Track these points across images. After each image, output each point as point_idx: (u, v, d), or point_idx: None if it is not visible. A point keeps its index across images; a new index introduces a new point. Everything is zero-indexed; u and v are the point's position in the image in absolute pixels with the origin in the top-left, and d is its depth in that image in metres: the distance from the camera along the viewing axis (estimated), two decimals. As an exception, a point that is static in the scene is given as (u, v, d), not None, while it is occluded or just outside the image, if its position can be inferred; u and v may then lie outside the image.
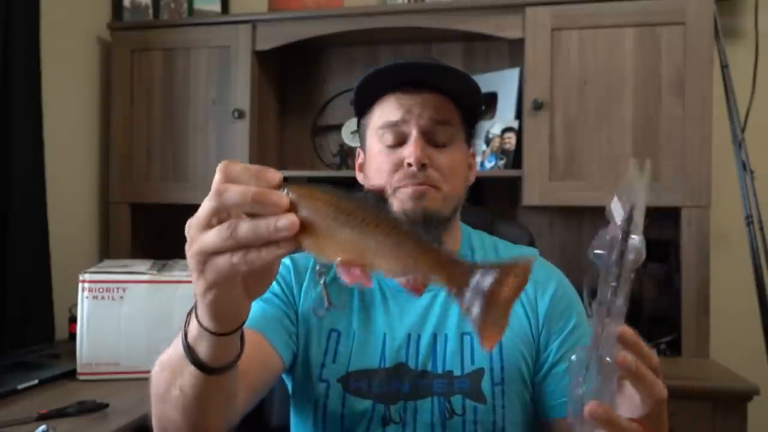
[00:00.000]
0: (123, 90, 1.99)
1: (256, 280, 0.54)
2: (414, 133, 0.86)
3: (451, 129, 0.89)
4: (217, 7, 2.14)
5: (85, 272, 1.41)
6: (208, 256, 0.49)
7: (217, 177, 0.50)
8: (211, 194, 0.49)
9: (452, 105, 0.89)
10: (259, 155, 1.95)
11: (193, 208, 0.53)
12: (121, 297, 1.41)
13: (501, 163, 1.79)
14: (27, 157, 1.66)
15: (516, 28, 1.74)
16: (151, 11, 2.12)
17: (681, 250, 1.65)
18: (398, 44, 2.06)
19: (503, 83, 1.87)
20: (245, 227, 0.47)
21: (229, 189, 0.48)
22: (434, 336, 0.88)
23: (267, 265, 0.49)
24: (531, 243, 1.20)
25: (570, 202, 1.70)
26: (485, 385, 0.85)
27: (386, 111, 0.88)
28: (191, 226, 0.51)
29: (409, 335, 0.88)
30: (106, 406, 1.20)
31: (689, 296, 1.63)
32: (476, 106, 0.93)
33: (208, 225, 0.49)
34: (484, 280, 0.48)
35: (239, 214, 0.49)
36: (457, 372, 0.85)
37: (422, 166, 0.84)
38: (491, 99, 1.89)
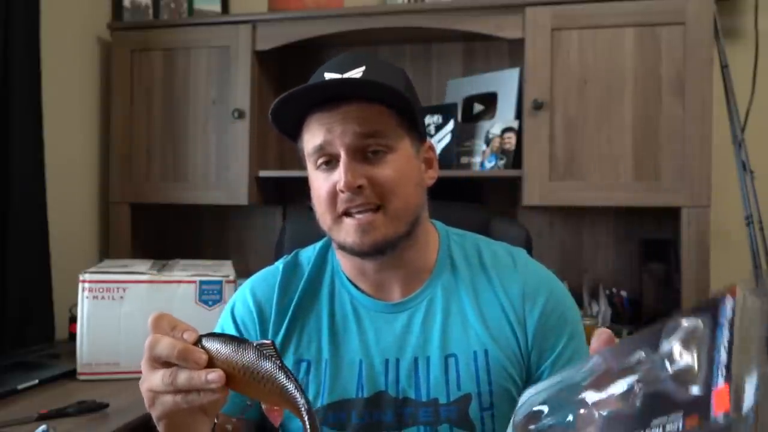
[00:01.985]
0: (123, 90, 1.99)
1: (209, 405, 0.61)
2: (342, 155, 0.77)
3: (384, 138, 0.79)
4: (217, 7, 2.14)
5: (85, 272, 1.41)
6: (155, 394, 0.59)
7: (150, 328, 0.60)
8: (146, 344, 0.59)
9: (381, 109, 0.79)
10: (259, 155, 1.95)
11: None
12: (121, 297, 1.41)
13: (501, 163, 1.79)
14: (27, 157, 1.66)
15: (516, 28, 1.74)
16: (151, 11, 2.12)
17: (681, 250, 1.65)
18: (398, 44, 2.06)
19: (503, 83, 1.87)
20: (183, 377, 0.57)
21: (160, 342, 0.58)
22: (415, 360, 0.82)
23: (209, 402, 0.58)
24: (528, 243, 1.16)
25: (570, 202, 1.70)
26: (473, 411, 0.79)
27: (310, 133, 0.80)
28: (143, 366, 0.60)
29: (387, 360, 0.82)
30: (106, 406, 1.20)
31: (689, 296, 1.63)
32: (407, 103, 0.80)
33: (153, 367, 0.59)
34: None
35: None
36: (442, 399, 0.80)
37: (358, 188, 0.77)
38: (491, 99, 1.90)
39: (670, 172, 1.64)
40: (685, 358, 0.40)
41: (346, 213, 0.79)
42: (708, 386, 0.37)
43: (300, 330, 0.86)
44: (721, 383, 0.36)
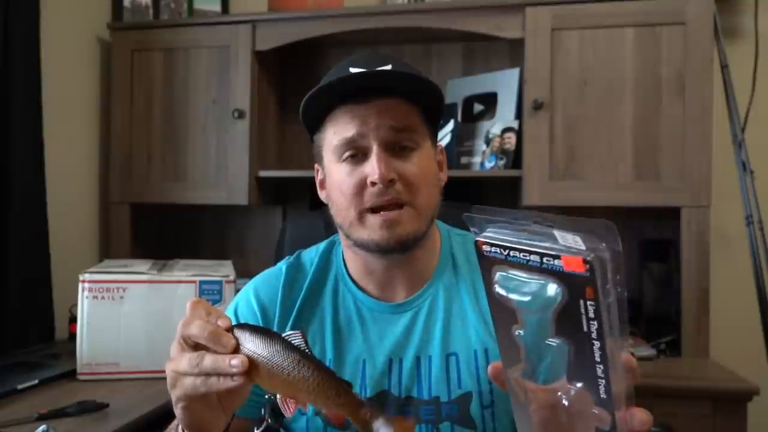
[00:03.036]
0: (123, 90, 1.99)
1: (228, 399, 0.63)
2: (375, 148, 0.77)
3: (414, 134, 0.80)
4: (217, 7, 2.14)
5: (85, 272, 1.41)
6: (179, 374, 0.60)
7: (188, 311, 0.62)
8: (179, 324, 0.62)
9: (411, 107, 0.80)
10: (259, 155, 1.95)
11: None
12: (121, 297, 1.41)
13: (501, 163, 1.79)
14: (27, 158, 1.66)
15: (516, 28, 1.74)
16: (151, 11, 2.12)
17: (681, 250, 1.65)
18: (398, 44, 2.06)
19: (503, 83, 1.87)
20: (208, 360, 0.58)
21: (192, 323, 0.60)
22: (417, 359, 0.83)
23: (227, 389, 0.59)
24: None
25: (570, 202, 1.70)
26: (474, 409, 0.80)
27: (340, 126, 0.79)
28: (172, 348, 0.62)
29: (391, 360, 0.83)
30: (106, 406, 1.20)
31: (689, 296, 1.63)
32: (436, 104, 0.83)
33: (182, 348, 0.61)
34: (383, 429, 0.60)
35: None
36: (443, 397, 0.81)
37: (390, 182, 0.77)
38: (491, 99, 1.90)
39: (670, 172, 1.64)
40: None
41: (372, 210, 0.79)
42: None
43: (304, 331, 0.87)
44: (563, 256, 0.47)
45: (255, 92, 1.92)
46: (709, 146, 1.62)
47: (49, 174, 1.73)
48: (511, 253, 0.49)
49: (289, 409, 0.60)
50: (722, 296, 1.78)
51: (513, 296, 0.51)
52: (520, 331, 0.52)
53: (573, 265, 0.46)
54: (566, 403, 0.51)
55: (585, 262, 0.45)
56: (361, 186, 0.78)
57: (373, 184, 0.77)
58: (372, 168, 0.77)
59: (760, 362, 1.57)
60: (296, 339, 0.60)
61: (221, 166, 1.92)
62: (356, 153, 0.79)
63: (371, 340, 0.85)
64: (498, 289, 0.52)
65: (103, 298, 1.40)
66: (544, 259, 0.47)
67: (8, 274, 1.61)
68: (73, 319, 1.68)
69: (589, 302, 0.46)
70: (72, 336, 1.66)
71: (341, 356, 0.84)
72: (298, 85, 2.17)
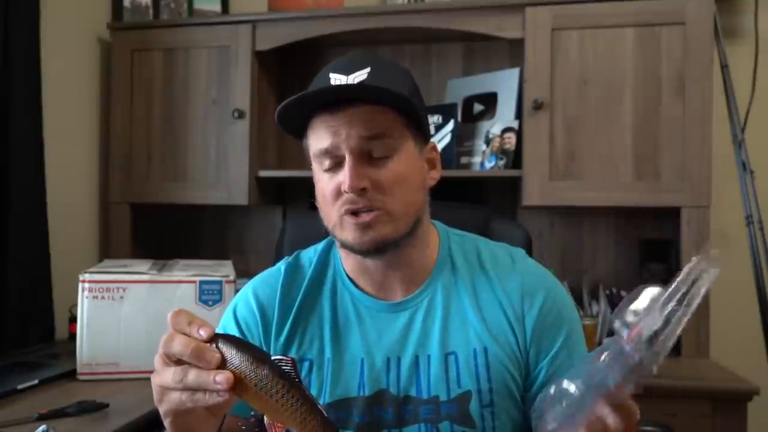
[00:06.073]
0: (123, 90, 1.99)
1: (216, 408, 0.63)
2: (347, 157, 0.78)
3: (388, 140, 0.79)
4: (217, 7, 2.14)
5: (85, 272, 1.41)
6: (165, 389, 0.60)
7: (169, 324, 0.61)
8: (161, 340, 0.60)
9: (387, 110, 0.79)
10: (259, 155, 1.95)
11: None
12: (121, 297, 1.41)
13: (501, 163, 1.79)
14: (27, 158, 1.66)
15: (516, 28, 1.74)
16: (151, 11, 2.12)
17: (681, 250, 1.65)
18: (398, 44, 2.06)
19: (503, 83, 1.87)
20: (192, 376, 0.58)
21: (174, 340, 0.59)
22: (416, 358, 0.83)
23: (214, 404, 0.58)
24: (527, 242, 1.15)
25: (570, 202, 1.70)
26: (473, 408, 0.80)
27: (317, 136, 0.82)
28: (156, 361, 0.62)
29: (389, 359, 0.83)
30: (106, 406, 1.20)
31: (689, 296, 1.63)
32: (412, 106, 0.80)
33: (165, 362, 0.61)
34: None
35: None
36: (443, 396, 0.81)
37: (362, 190, 0.78)
38: (491, 99, 1.90)
39: (670, 172, 1.64)
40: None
41: (349, 213, 0.80)
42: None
43: (303, 330, 0.87)
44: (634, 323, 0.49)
45: (255, 92, 1.92)
46: (709, 146, 1.62)
47: (49, 174, 1.73)
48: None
49: (275, 430, 0.59)
50: (722, 296, 1.78)
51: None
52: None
53: (633, 333, 0.48)
54: (543, 405, 0.55)
55: (636, 348, 0.48)
56: (338, 193, 0.80)
57: (347, 192, 0.78)
58: (344, 177, 0.78)
59: (760, 362, 1.57)
60: (286, 366, 0.59)
61: (221, 166, 1.92)
62: (334, 161, 0.81)
63: (369, 339, 0.85)
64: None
65: (103, 298, 1.40)
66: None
67: (8, 274, 1.61)
68: (73, 319, 1.68)
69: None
70: (72, 336, 1.66)
71: (340, 354, 0.85)
72: (298, 85, 2.17)
